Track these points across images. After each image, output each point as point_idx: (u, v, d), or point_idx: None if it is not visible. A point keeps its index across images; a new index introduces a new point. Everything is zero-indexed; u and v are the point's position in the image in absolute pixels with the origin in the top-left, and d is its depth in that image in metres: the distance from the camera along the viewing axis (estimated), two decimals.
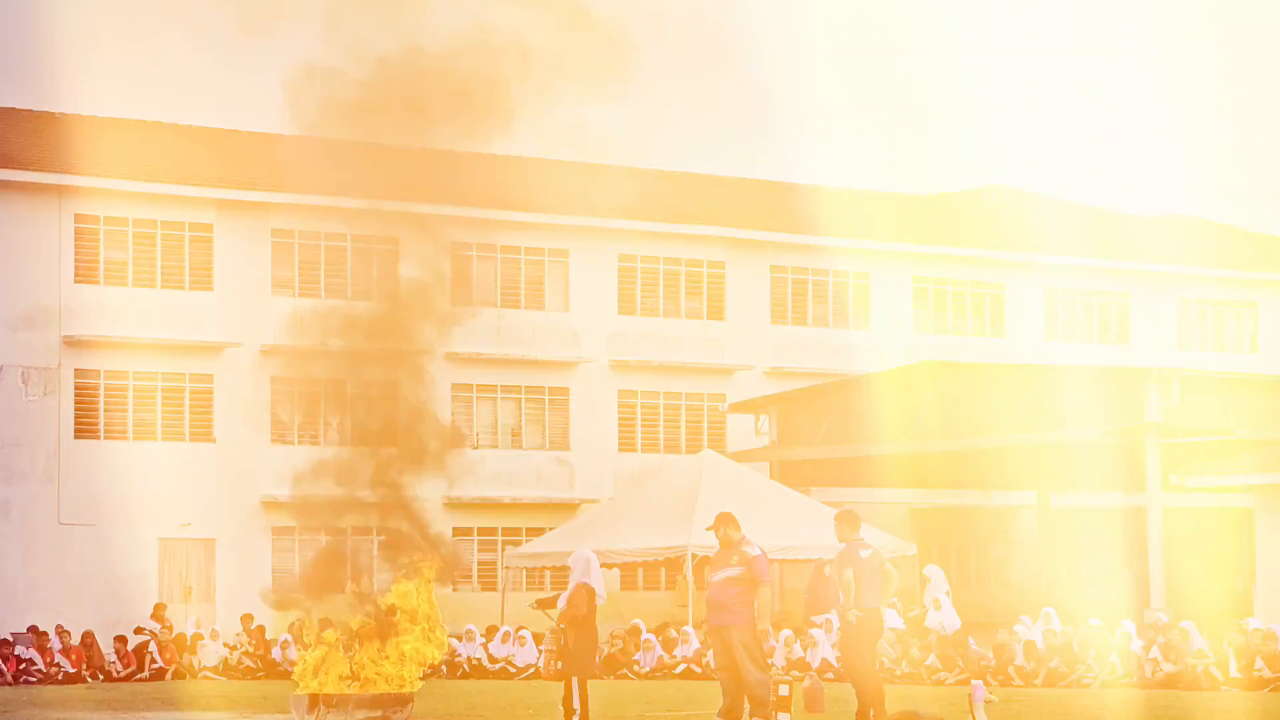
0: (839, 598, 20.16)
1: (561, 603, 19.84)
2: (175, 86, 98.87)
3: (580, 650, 19.71)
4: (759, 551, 19.01)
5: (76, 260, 44.22)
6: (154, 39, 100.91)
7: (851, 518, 20.12)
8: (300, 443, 46.15)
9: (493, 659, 35.91)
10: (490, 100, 21.66)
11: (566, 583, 40.66)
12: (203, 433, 45.24)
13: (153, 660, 35.56)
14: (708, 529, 19.53)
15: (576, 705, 19.59)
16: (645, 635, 34.71)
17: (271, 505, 45.64)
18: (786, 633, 34.19)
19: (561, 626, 19.77)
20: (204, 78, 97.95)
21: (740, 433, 50.49)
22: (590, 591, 19.72)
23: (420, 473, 20.80)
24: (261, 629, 38.17)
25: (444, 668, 35.49)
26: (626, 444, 50.17)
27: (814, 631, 33.31)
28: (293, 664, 35.09)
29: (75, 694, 30.70)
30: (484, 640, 36.46)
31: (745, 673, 18.92)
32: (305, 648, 21.22)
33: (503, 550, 45.60)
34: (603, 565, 37.32)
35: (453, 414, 45.67)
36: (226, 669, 36.02)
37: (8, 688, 32.78)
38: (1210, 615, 42.58)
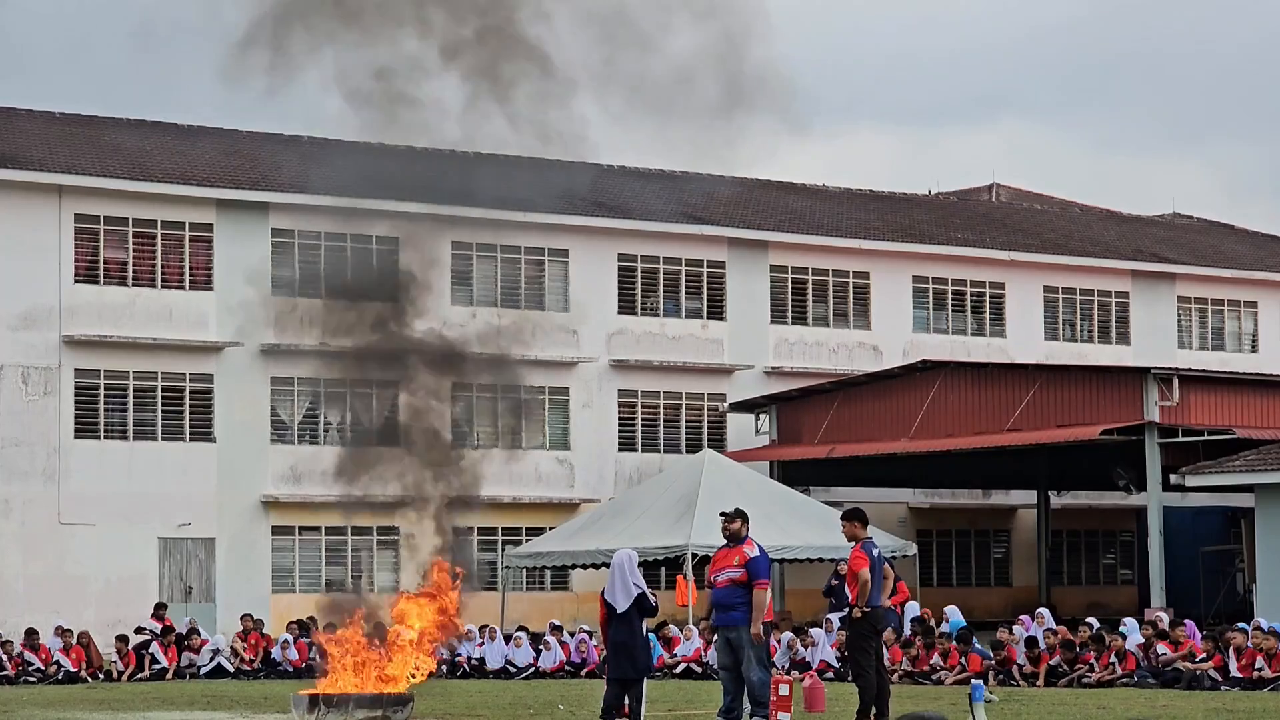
0: (850, 596, 20.17)
1: None
2: (178, 86, 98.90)
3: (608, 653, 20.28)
4: (758, 552, 19.08)
5: (76, 260, 44.22)
6: (155, 39, 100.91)
7: (861, 516, 20.17)
8: (300, 442, 46.21)
9: (491, 659, 35.89)
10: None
11: (567, 583, 40.80)
12: (203, 433, 45.24)
13: (153, 660, 35.53)
14: (721, 514, 19.60)
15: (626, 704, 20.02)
16: (646, 635, 34.62)
17: (272, 505, 45.67)
18: (788, 634, 34.17)
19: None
20: (204, 77, 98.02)
21: (740, 433, 50.49)
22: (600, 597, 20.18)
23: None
24: (260, 625, 38.17)
25: (444, 668, 35.56)
26: (626, 444, 50.17)
27: (814, 631, 33.31)
28: (294, 664, 35.21)
29: (75, 694, 30.69)
30: (482, 640, 36.43)
31: (749, 672, 18.98)
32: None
33: (503, 550, 45.59)
34: (603, 565, 37.47)
35: (453, 414, 45.61)
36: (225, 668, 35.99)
37: (8, 687, 32.78)
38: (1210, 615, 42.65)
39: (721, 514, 19.69)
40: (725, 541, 19.46)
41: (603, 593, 20.25)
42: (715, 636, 19.91)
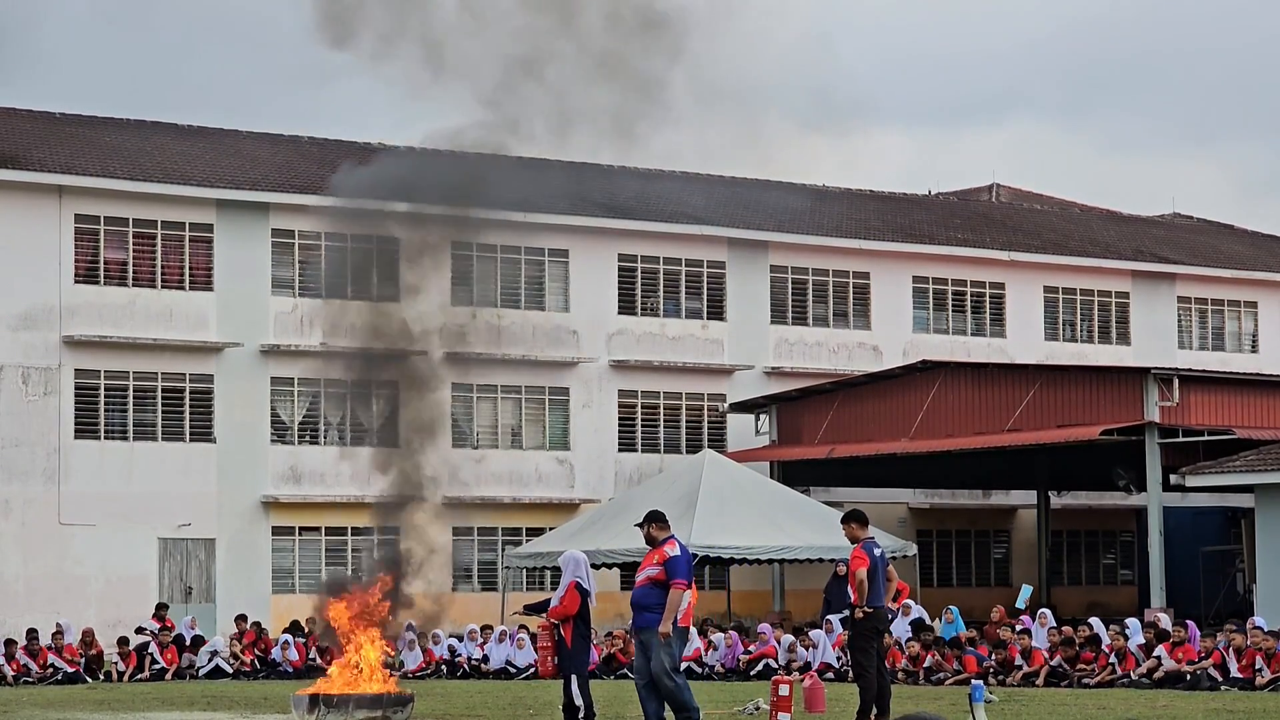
0: (852, 597, 20.11)
1: (555, 601, 19.74)
2: (178, 87, 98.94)
3: (576, 649, 19.63)
4: (678, 551, 18.26)
5: (76, 260, 44.23)
6: (157, 39, 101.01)
7: (861, 517, 20.13)
8: (300, 442, 46.22)
9: (491, 659, 35.89)
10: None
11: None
12: (203, 433, 45.25)
13: (153, 660, 35.52)
14: (635, 525, 19.14)
15: (580, 703, 19.52)
16: None
17: (272, 505, 45.68)
18: (788, 636, 34.15)
19: (553, 623, 19.67)
20: (208, 78, 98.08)
21: (740, 433, 50.49)
22: (581, 590, 19.68)
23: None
24: (260, 626, 38.13)
25: (444, 668, 35.57)
26: (626, 444, 50.17)
27: (814, 632, 33.30)
28: (294, 664, 35.22)
29: (75, 694, 30.69)
30: (482, 640, 36.44)
31: (658, 676, 18.19)
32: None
33: (503, 550, 45.60)
34: (603, 565, 37.50)
35: (453, 414, 45.65)
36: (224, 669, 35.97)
37: (8, 688, 32.78)
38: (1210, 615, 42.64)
39: (635, 525, 19.16)
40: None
41: (577, 584, 19.64)
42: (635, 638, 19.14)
